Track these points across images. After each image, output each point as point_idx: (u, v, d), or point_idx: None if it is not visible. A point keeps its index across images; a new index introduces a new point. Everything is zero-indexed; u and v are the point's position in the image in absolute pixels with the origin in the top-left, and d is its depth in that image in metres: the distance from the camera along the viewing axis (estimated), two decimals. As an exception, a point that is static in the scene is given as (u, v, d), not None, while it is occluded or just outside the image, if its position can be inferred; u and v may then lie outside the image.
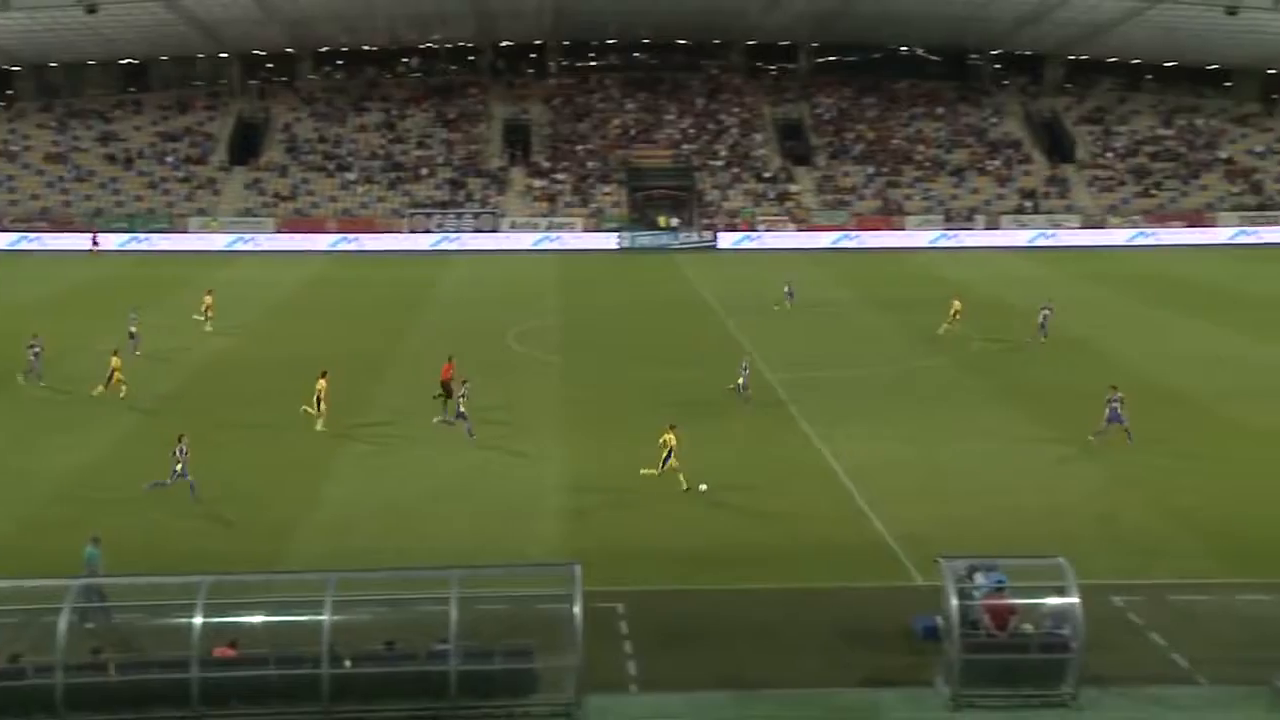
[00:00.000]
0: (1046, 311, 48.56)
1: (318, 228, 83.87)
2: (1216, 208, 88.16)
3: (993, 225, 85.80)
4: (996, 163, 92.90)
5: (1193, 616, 23.30)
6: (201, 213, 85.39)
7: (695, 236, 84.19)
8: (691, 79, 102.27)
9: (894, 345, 48.74)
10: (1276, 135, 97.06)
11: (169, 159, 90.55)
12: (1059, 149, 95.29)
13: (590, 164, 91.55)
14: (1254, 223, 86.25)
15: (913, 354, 46.90)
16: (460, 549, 25.88)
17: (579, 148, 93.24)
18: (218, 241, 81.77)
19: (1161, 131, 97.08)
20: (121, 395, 39.35)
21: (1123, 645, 21.86)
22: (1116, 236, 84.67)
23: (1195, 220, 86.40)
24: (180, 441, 29.79)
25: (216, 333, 50.59)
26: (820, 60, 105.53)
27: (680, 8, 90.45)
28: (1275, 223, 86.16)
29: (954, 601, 19.72)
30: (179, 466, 29.46)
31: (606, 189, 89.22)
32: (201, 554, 25.77)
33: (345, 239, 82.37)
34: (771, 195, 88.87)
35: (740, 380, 38.86)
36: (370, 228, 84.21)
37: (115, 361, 39.76)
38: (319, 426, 35.93)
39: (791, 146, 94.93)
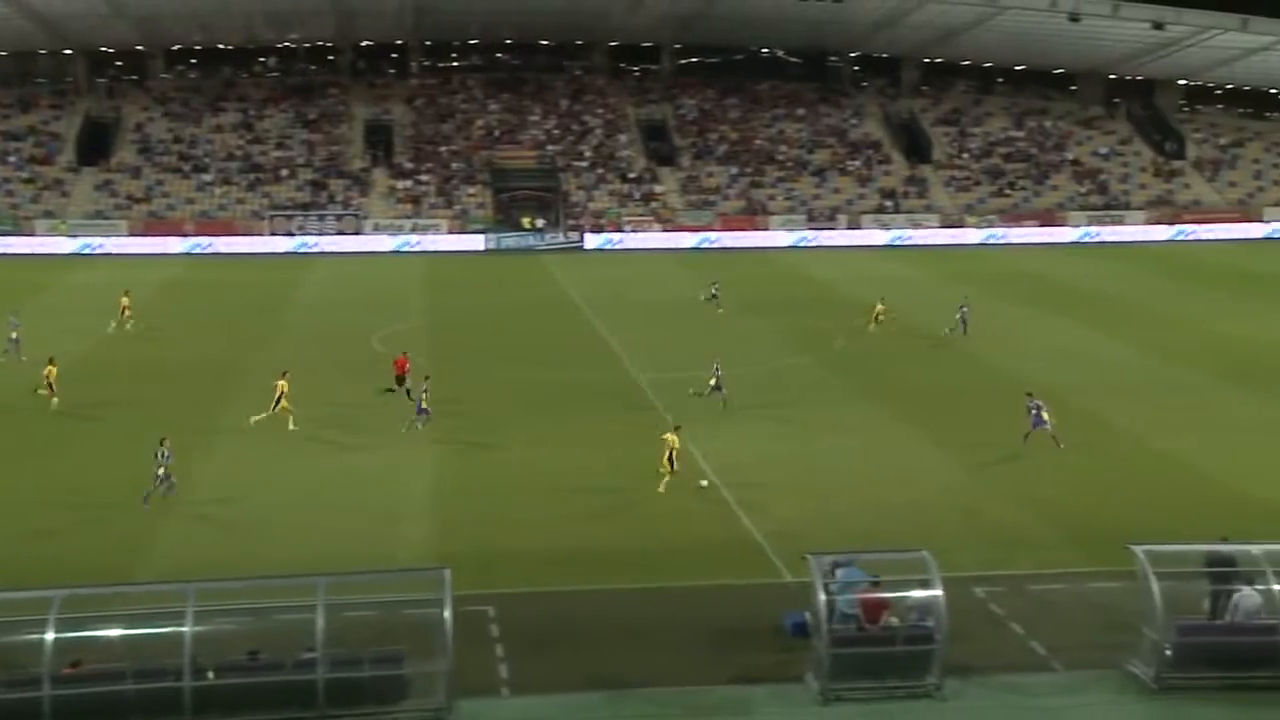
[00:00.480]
0: (965, 309, 49.63)
1: (174, 230, 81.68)
2: (1066, 207, 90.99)
3: (854, 225, 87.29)
4: (857, 163, 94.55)
5: (1049, 605, 23.95)
6: (49, 215, 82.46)
7: (561, 237, 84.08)
8: (555, 80, 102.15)
9: (761, 345, 49.22)
10: (1119, 137, 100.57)
11: (12, 159, 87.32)
12: (917, 150, 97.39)
13: (454, 165, 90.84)
14: (1100, 222, 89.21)
15: (779, 353, 47.43)
16: (327, 556, 25.43)
17: (443, 149, 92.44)
18: (68, 245, 79.08)
19: (1013, 133, 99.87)
20: (54, 405, 38.41)
21: (984, 635, 22.35)
22: (973, 235, 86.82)
23: (1047, 219, 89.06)
24: (162, 444, 29.38)
25: (135, 335, 50.20)
26: (683, 61, 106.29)
27: (542, 9, 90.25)
28: (1120, 222, 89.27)
29: (821, 597, 19.95)
30: (161, 470, 29.09)
31: (471, 190, 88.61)
32: (53, 565, 24.85)
33: (201, 242, 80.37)
34: (637, 196, 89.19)
35: (713, 382, 38.55)
36: (229, 230, 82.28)
37: (51, 370, 38.78)
38: (291, 426, 35.54)
39: (656, 147, 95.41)
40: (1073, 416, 37.16)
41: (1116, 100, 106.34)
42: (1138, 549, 20.65)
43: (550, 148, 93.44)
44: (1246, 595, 20.65)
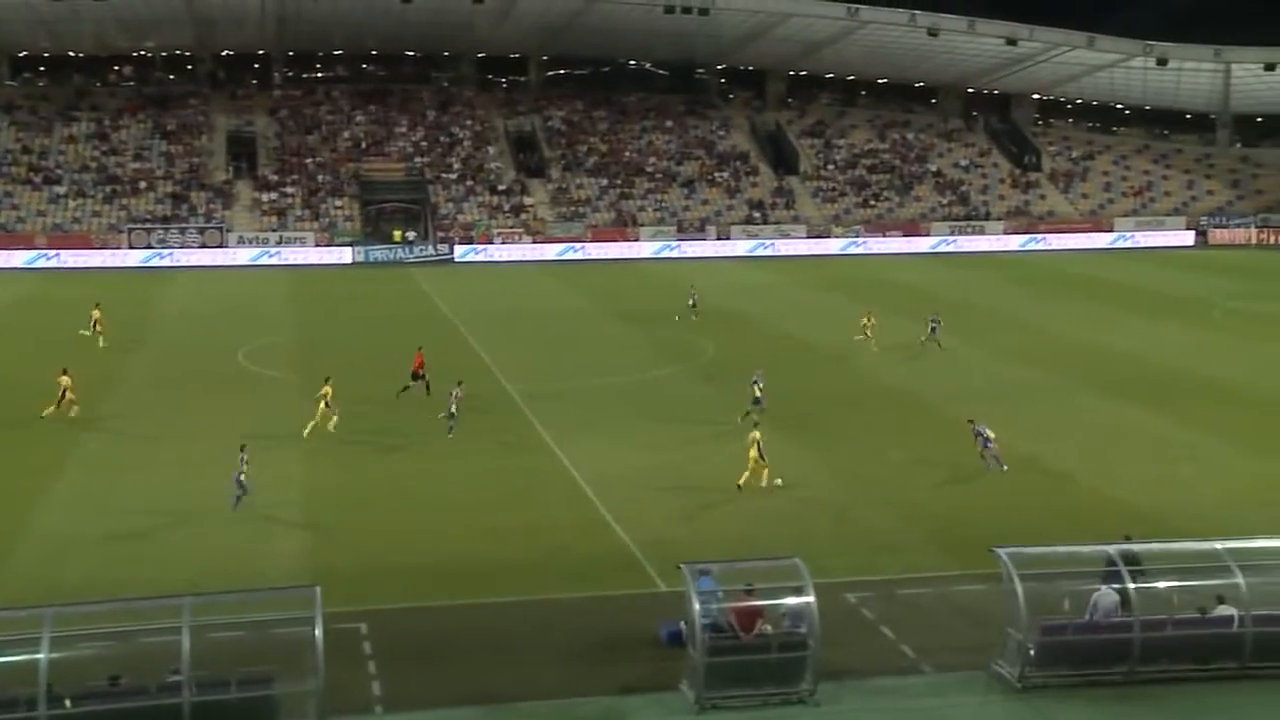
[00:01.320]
0: (935, 321, 50.14)
1: (25, 243, 79.15)
2: (929, 217, 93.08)
3: (724, 235, 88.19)
4: (725, 174, 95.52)
5: (918, 609, 24.38)
6: (-116, 227, 79.46)
7: (431, 250, 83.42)
8: (422, 91, 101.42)
9: (632, 355, 49.38)
10: (978, 150, 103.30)
11: None
12: (784, 161, 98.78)
13: (321, 177, 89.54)
14: (962, 232, 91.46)
15: (651, 363, 47.63)
16: (193, 576, 24.87)
17: (308, 160, 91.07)
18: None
19: (877, 145, 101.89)
20: (72, 415, 37.67)
21: (856, 640, 22.65)
22: (840, 245, 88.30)
23: (911, 230, 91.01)
24: (243, 451, 29.86)
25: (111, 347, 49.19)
26: (551, 73, 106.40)
27: (407, 20, 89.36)
28: (980, 232, 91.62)
29: (696, 606, 20.05)
30: (241, 476, 29.50)
31: (338, 203, 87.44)
32: None
33: (48, 255, 77.87)
34: (507, 208, 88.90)
35: (757, 394, 38.37)
36: (85, 244, 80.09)
37: (65, 380, 37.97)
38: (330, 427, 35.67)
39: (525, 159, 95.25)
40: (940, 423, 37.95)
41: (975, 113, 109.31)
42: (1001, 551, 21.16)
43: (418, 160, 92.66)
44: (1104, 594, 21.29)
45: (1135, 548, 22.53)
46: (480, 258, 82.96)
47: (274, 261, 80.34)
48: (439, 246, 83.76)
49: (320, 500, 31.12)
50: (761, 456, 31.22)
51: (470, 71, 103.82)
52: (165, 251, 79.96)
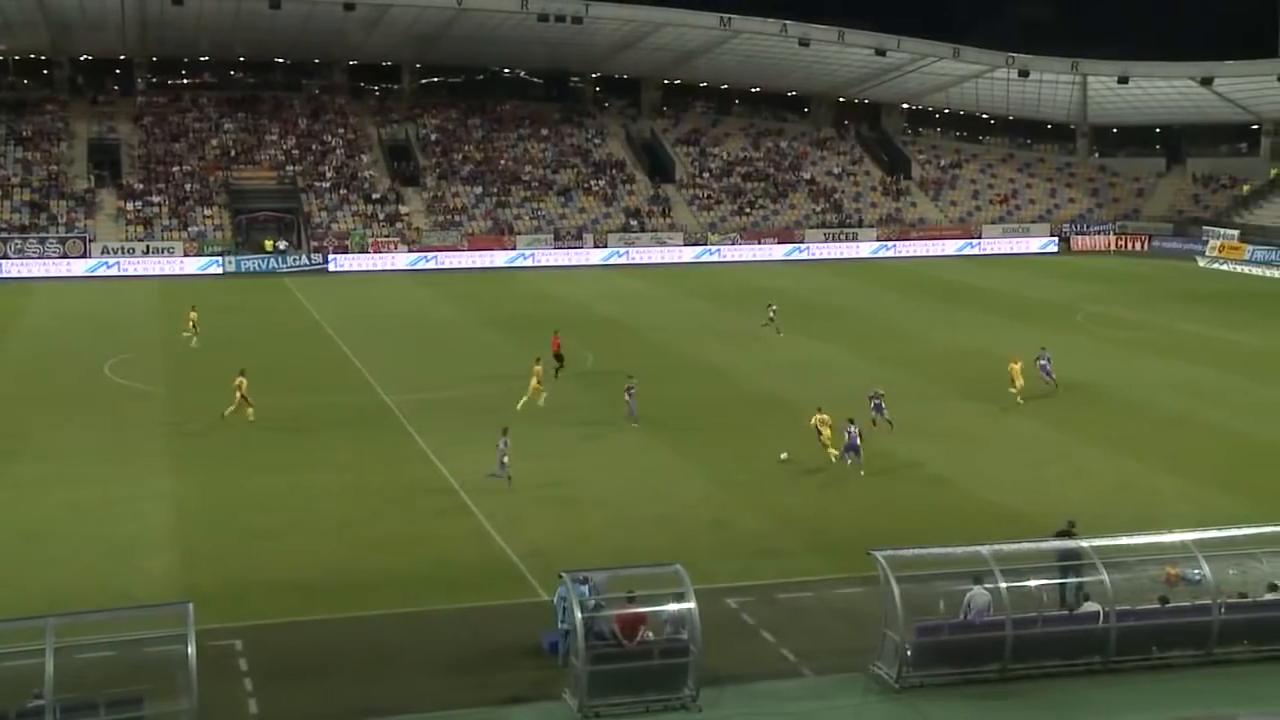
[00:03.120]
0: (772, 308, 52.67)
1: None
2: (804, 225, 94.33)
3: (601, 244, 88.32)
4: (601, 183, 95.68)
5: (798, 612, 24.64)
6: None
7: (305, 260, 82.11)
8: (293, 98, 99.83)
9: (511, 363, 49.08)
10: (850, 158, 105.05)
11: None
12: (660, 169, 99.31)
13: (189, 186, 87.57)
14: (836, 239, 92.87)
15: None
16: (57, 595, 24.10)
17: (175, 169, 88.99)
18: None
19: (751, 153, 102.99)
20: (250, 418, 38.36)
21: (737, 645, 22.83)
22: (716, 253, 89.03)
23: (786, 237, 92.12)
24: (504, 435, 31.98)
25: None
26: (425, 81, 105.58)
27: (276, 26, 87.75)
28: (854, 239, 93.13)
29: (578, 615, 20.02)
30: (505, 459, 31.49)
31: (208, 212, 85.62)
32: None
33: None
34: (382, 217, 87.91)
35: (627, 399, 39.62)
36: (-65, 254, 77.23)
37: (241, 382, 38.68)
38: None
39: (400, 167, 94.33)
40: (809, 428, 38.46)
41: (847, 122, 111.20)
42: (878, 554, 21.50)
43: (290, 168, 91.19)
44: (977, 594, 21.74)
45: (1057, 544, 23.54)
46: (355, 267, 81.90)
47: (141, 272, 78.31)
48: (313, 256, 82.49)
49: (188, 515, 30.36)
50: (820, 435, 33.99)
51: (342, 79, 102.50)
52: (23, 262, 77.48)
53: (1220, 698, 20.91)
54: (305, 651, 22.71)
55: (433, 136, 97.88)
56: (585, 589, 20.90)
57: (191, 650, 18.31)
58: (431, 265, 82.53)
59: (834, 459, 33.88)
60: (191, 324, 53.09)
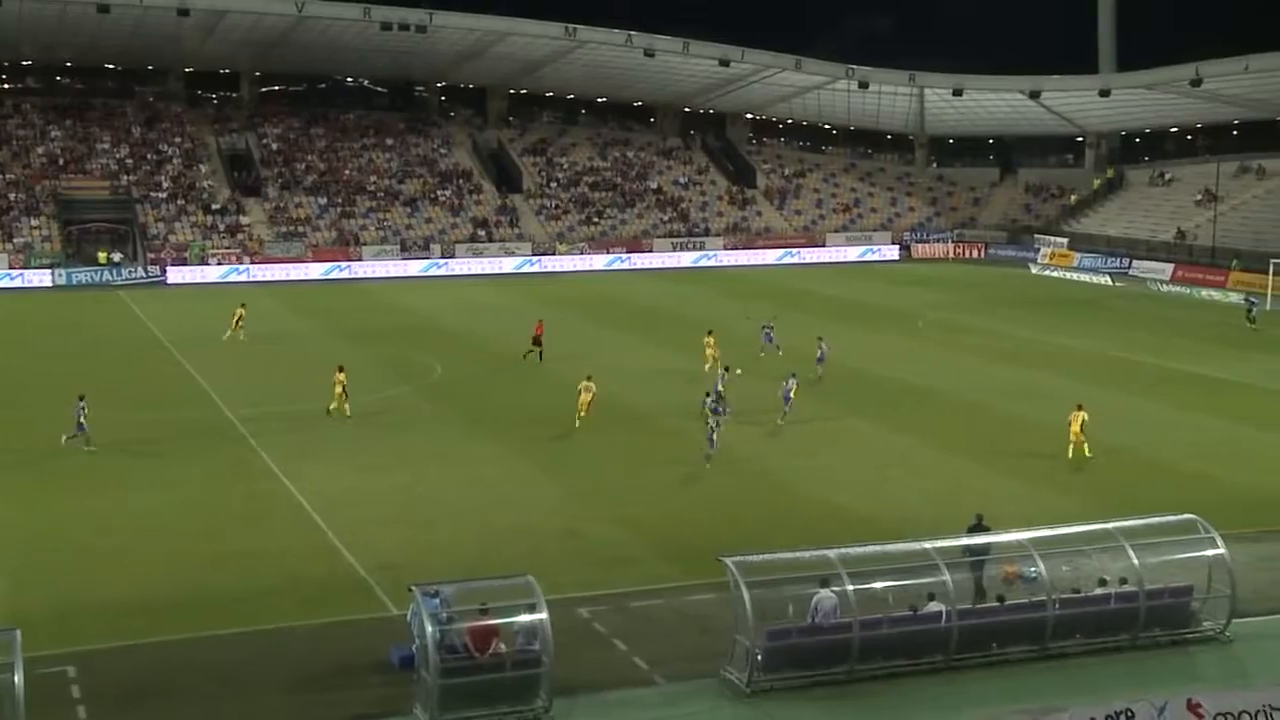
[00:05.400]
0: (822, 346, 48.76)
1: None
2: (652, 234, 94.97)
3: (448, 254, 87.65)
4: (448, 193, 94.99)
5: (650, 620, 24.77)
6: None
7: (141, 272, 79.74)
8: (125, 106, 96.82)
9: (359, 376, 48.33)
10: (696, 168, 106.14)
11: None
12: (507, 179, 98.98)
13: (13, 196, 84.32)
14: (684, 248, 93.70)
15: (377, 384, 46.80)
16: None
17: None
18: None
19: (599, 163, 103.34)
20: (348, 414, 40.05)
21: (589, 654, 22.84)
22: (565, 263, 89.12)
23: (635, 246, 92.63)
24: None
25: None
26: (265, 89, 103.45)
27: (106, 30, 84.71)
28: (701, 248, 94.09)
29: (428, 628, 19.84)
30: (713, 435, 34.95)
31: (34, 222, 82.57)
32: None
33: None
34: (222, 228, 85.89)
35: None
36: None
37: (341, 377, 40.40)
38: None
39: (240, 177, 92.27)
40: (659, 434, 38.77)
41: (693, 132, 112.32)
42: (728, 560, 21.75)
43: (124, 177, 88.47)
44: (824, 597, 22.12)
45: (963, 541, 24.68)
46: (195, 279, 79.83)
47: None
48: (149, 268, 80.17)
49: (7, 539, 29.17)
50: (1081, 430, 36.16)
51: (178, 86, 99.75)
52: None
53: (1054, 690, 21.62)
54: (145, 675, 22.04)
55: (274, 146, 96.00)
56: (436, 602, 20.72)
57: (19, 679, 17.68)
58: (274, 276, 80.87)
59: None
60: (237, 320, 55.19)
